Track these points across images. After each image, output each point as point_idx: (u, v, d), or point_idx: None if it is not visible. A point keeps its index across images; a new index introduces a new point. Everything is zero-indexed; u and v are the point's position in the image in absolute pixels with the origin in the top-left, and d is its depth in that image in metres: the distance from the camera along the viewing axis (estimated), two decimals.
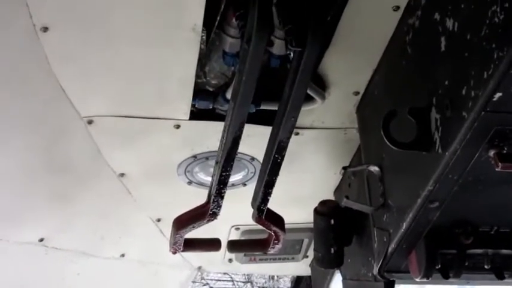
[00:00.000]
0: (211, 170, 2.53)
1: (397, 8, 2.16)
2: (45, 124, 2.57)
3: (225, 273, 7.46)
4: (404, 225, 2.06)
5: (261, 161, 2.45)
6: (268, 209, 2.53)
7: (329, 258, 2.75)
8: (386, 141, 1.92)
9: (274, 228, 2.60)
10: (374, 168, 2.30)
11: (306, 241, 3.64)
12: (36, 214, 2.98)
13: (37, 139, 2.62)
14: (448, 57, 1.83)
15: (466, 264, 2.15)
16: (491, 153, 1.75)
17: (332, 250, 2.73)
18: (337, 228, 2.71)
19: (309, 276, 4.00)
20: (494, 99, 1.59)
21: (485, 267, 2.17)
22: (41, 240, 3.11)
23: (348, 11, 2.16)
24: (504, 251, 2.17)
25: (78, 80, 2.40)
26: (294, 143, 2.37)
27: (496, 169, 1.74)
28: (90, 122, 2.58)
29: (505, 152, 1.74)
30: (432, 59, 1.92)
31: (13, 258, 3.09)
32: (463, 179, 1.87)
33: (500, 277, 2.18)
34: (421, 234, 2.10)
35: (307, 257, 3.77)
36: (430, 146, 1.88)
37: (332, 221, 2.71)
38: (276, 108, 2.29)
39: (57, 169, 2.77)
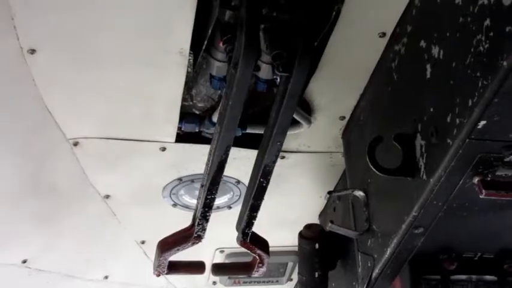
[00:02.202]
0: (197, 192, 2.54)
1: (383, 34, 2.17)
2: (30, 146, 2.56)
3: None
4: (389, 251, 2.06)
5: (247, 184, 2.45)
6: (253, 232, 2.54)
7: (313, 282, 2.74)
8: (372, 167, 1.93)
9: (258, 252, 2.60)
10: (359, 193, 2.31)
11: (290, 264, 3.63)
12: (20, 235, 2.96)
13: (22, 160, 2.60)
14: (433, 85, 1.84)
15: None
16: (476, 180, 1.76)
17: (316, 274, 2.72)
18: (322, 252, 2.71)
19: None
20: (479, 127, 1.60)
21: None
22: (24, 261, 3.09)
23: (335, 37, 2.17)
24: (488, 277, 2.18)
25: (65, 102, 2.39)
26: (280, 167, 2.38)
27: (480, 196, 1.75)
28: (76, 144, 2.57)
29: (488, 179, 1.75)
30: (418, 86, 1.92)
31: None
32: (447, 205, 1.87)
33: None
34: (405, 259, 2.10)
35: (291, 280, 3.76)
36: (415, 172, 1.89)
37: (317, 245, 2.71)
38: (263, 132, 2.30)
39: (42, 190, 2.76)
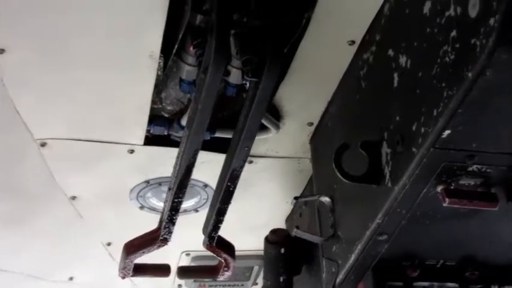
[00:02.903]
0: (164, 195, 2.53)
1: (352, 42, 2.19)
2: None
3: None
4: (353, 257, 2.07)
5: (214, 188, 2.46)
6: (219, 236, 2.54)
7: (278, 287, 2.75)
8: (338, 174, 1.94)
9: (224, 255, 2.61)
10: (325, 199, 2.31)
11: (256, 268, 3.64)
12: None
13: None
14: (400, 94, 1.85)
15: None
16: (439, 188, 1.77)
17: (281, 279, 2.72)
18: (287, 257, 2.71)
19: None
20: (443, 136, 1.61)
21: None
22: None
23: (305, 44, 2.18)
24: (449, 284, 2.20)
25: (33, 102, 2.37)
26: (248, 171, 2.38)
27: (444, 204, 1.76)
28: (43, 145, 2.55)
29: (452, 187, 1.77)
30: (385, 94, 1.94)
31: None
32: (411, 213, 1.88)
33: None
34: (369, 266, 2.11)
35: (256, 284, 3.76)
36: (380, 180, 1.90)
37: (282, 250, 2.71)
38: (231, 136, 2.30)
39: (8, 191, 2.74)
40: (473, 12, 1.47)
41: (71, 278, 3.50)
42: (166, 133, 2.61)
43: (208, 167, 2.47)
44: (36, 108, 2.40)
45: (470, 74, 1.47)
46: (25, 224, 2.96)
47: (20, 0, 1.98)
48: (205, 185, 2.90)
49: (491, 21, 1.39)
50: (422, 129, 1.68)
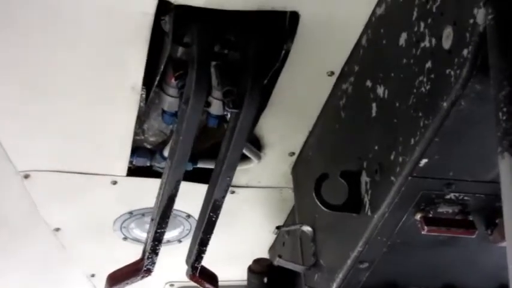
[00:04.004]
0: (147, 226, 2.53)
1: (331, 73, 2.20)
2: None
3: None
4: (335, 285, 2.07)
5: (197, 219, 2.46)
6: (202, 266, 2.54)
7: None
8: (318, 203, 1.94)
9: (207, 286, 2.61)
10: (307, 228, 2.32)
11: None
12: None
13: None
14: (378, 123, 1.86)
15: None
16: (418, 216, 1.78)
17: None
18: (270, 287, 2.71)
19: None
20: (421, 165, 1.63)
21: None
22: None
23: (284, 75, 2.19)
24: None
25: (16, 135, 2.36)
26: (230, 202, 2.38)
27: (422, 232, 1.77)
28: (26, 177, 2.54)
29: (430, 215, 1.78)
30: (364, 124, 1.95)
31: None
32: (391, 240, 1.89)
33: None
34: None
35: None
36: (359, 209, 1.90)
37: (265, 279, 2.71)
38: (213, 167, 2.31)
39: None
40: (447, 43, 1.49)
41: None
42: (148, 164, 2.60)
43: (191, 198, 2.47)
44: (19, 140, 2.39)
45: (445, 104, 1.48)
46: (7, 255, 2.93)
47: (1, 33, 1.98)
48: (188, 216, 2.90)
49: (465, 52, 1.41)
50: (400, 158, 1.69)
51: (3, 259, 2.93)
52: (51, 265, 3.11)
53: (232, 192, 2.70)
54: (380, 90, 1.86)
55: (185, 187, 2.28)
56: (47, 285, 3.28)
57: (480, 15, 1.36)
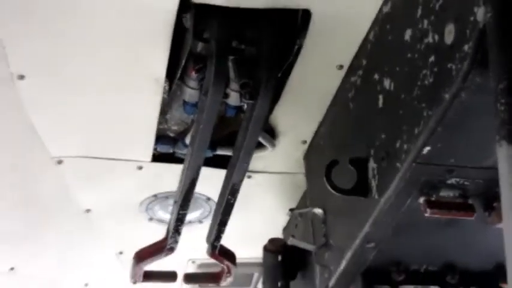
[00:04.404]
0: (170, 208, 2.54)
1: (341, 67, 2.19)
2: (18, 164, 2.55)
3: None
4: (344, 263, 2.07)
5: (216, 202, 2.46)
6: (221, 245, 2.54)
7: None
8: (329, 188, 1.94)
9: (226, 263, 2.61)
10: (318, 211, 2.31)
11: (256, 275, 3.63)
12: (7, 245, 2.94)
13: (11, 177, 2.59)
14: (384, 114, 1.85)
15: None
16: (421, 200, 1.77)
17: (279, 284, 2.72)
18: (284, 264, 2.71)
19: None
20: (424, 152, 1.62)
21: None
22: (12, 269, 3.06)
23: (297, 68, 2.18)
24: (432, 287, 2.19)
25: (51, 123, 2.38)
26: (247, 186, 2.38)
27: (425, 214, 1.77)
28: (60, 162, 2.56)
29: (433, 199, 1.77)
30: (371, 114, 1.94)
31: None
32: (396, 222, 1.88)
33: None
34: (358, 271, 2.11)
35: None
36: (367, 193, 1.90)
37: (279, 258, 2.71)
38: (231, 154, 2.30)
39: (28, 204, 2.74)
40: (449, 39, 1.48)
41: (86, 285, 3.50)
42: (171, 151, 2.61)
43: (211, 182, 2.47)
44: (53, 128, 2.41)
45: (447, 96, 1.47)
46: (44, 235, 2.96)
47: (37, 32, 1.99)
48: (208, 198, 2.90)
49: (466, 47, 1.40)
50: (405, 146, 1.68)
51: (40, 237, 2.96)
52: (83, 243, 3.13)
53: (249, 177, 2.70)
54: (386, 83, 1.85)
55: (205, 172, 2.28)
56: (80, 261, 3.31)
57: (480, 13, 1.35)
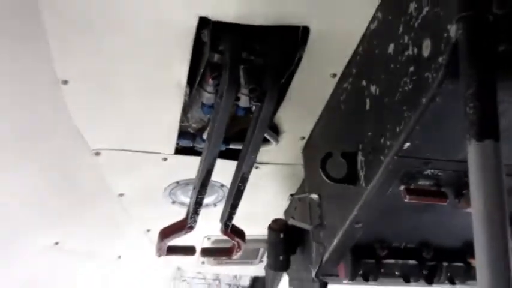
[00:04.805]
0: (190, 193, 2.53)
1: (334, 75, 2.17)
2: (63, 156, 2.55)
3: (199, 273, 7.35)
4: (336, 241, 2.07)
5: (229, 188, 2.45)
6: (233, 224, 2.54)
7: (278, 264, 2.74)
8: (323, 177, 1.94)
9: (237, 239, 2.61)
10: (314, 196, 2.31)
11: (261, 250, 3.63)
12: (52, 223, 2.94)
13: (56, 166, 2.60)
14: (371, 115, 1.85)
15: (382, 270, 2.16)
16: (401, 188, 1.77)
17: (281, 258, 2.72)
18: (285, 241, 2.71)
19: (264, 277, 3.98)
20: (404, 148, 1.61)
21: (396, 273, 2.18)
22: (56, 243, 3.07)
23: (297, 76, 2.17)
24: (410, 262, 2.18)
25: (90, 121, 2.38)
26: (254, 175, 2.37)
27: (405, 200, 1.76)
28: (97, 154, 2.56)
29: (411, 187, 1.77)
30: (359, 115, 1.93)
31: (31, 259, 3.03)
32: (380, 206, 1.88)
33: (407, 281, 2.18)
34: (348, 247, 2.11)
35: (262, 261, 3.75)
36: (356, 181, 1.90)
37: (281, 235, 2.71)
38: (241, 147, 2.30)
39: (70, 189, 2.75)
40: (426, 52, 1.47)
41: (119, 257, 3.50)
42: (191, 145, 2.60)
43: (224, 171, 2.46)
44: (92, 126, 2.41)
45: (424, 100, 1.47)
46: (83, 215, 2.96)
47: (82, 44, 1.99)
48: (222, 185, 2.90)
49: (440, 59, 1.39)
50: (388, 142, 1.67)
51: (80, 217, 2.96)
52: (116, 222, 3.14)
53: (256, 167, 2.69)
54: (373, 89, 1.84)
55: (219, 163, 2.28)
56: (114, 238, 3.31)
57: (453, 30, 1.35)
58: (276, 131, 2.55)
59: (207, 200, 2.88)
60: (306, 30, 1.98)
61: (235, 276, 7.69)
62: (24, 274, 3.14)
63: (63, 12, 1.89)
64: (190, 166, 2.55)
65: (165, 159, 2.64)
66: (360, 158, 1.89)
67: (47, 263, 3.21)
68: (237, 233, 2.60)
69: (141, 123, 2.43)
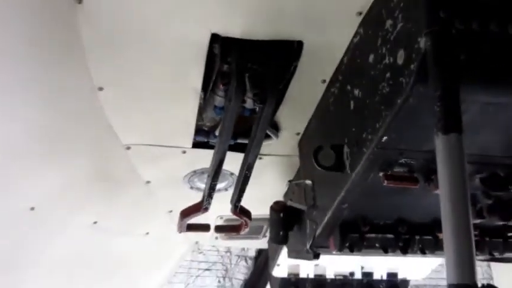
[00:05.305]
0: (205, 180, 2.53)
1: (324, 81, 2.17)
2: (98, 149, 2.55)
3: (213, 246, 7.38)
4: (326, 219, 2.06)
5: (237, 175, 2.46)
6: (241, 206, 2.54)
7: (279, 238, 2.71)
8: (316, 165, 1.93)
9: (244, 218, 2.61)
10: (308, 182, 2.30)
11: (264, 227, 3.62)
12: (92, 206, 2.94)
13: (93, 159, 2.60)
14: (355, 114, 1.85)
15: (365, 243, 2.15)
16: (380, 174, 1.77)
17: (281, 233, 2.69)
18: (285, 219, 2.69)
19: (267, 249, 3.98)
20: (383, 141, 1.61)
21: (376, 245, 2.18)
22: (95, 222, 3.07)
23: (293, 82, 2.18)
24: (388, 235, 2.17)
25: (122, 121, 2.39)
26: (258, 164, 2.38)
27: (384, 184, 1.76)
28: (128, 148, 2.56)
29: (389, 173, 1.77)
30: (345, 114, 1.93)
31: (75, 236, 3.04)
32: (363, 190, 1.88)
33: (385, 251, 2.18)
34: (336, 224, 2.11)
35: (265, 236, 3.74)
36: (343, 169, 1.89)
37: (281, 215, 2.69)
38: (247, 142, 2.30)
39: (104, 178, 2.74)
40: (400, 61, 1.47)
41: (147, 233, 3.51)
42: (206, 140, 2.60)
43: (233, 162, 2.47)
44: (123, 123, 2.41)
45: (399, 101, 1.47)
46: (116, 200, 2.95)
47: (115, 56, 2.00)
48: (231, 173, 2.89)
49: (412, 66, 1.40)
50: (369, 137, 1.68)
51: (113, 201, 2.96)
52: (145, 204, 3.13)
53: (260, 158, 2.69)
54: (356, 92, 1.84)
55: (229, 155, 2.28)
56: (142, 217, 3.31)
57: (422, 42, 1.35)
58: (276, 127, 2.55)
59: (219, 186, 2.87)
60: (300, 44, 1.98)
61: (244, 249, 7.70)
62: (69, 248, 3.14)
63: (98, 29, 1.89)
64: (205, 158, 2.55)
65: (184, 152, 2.64)
66: (346, 149, 1.89)
67: (88, 239, 3.21)
68: (244, 212, 2.60)
69: (164, 122, 2.43)
